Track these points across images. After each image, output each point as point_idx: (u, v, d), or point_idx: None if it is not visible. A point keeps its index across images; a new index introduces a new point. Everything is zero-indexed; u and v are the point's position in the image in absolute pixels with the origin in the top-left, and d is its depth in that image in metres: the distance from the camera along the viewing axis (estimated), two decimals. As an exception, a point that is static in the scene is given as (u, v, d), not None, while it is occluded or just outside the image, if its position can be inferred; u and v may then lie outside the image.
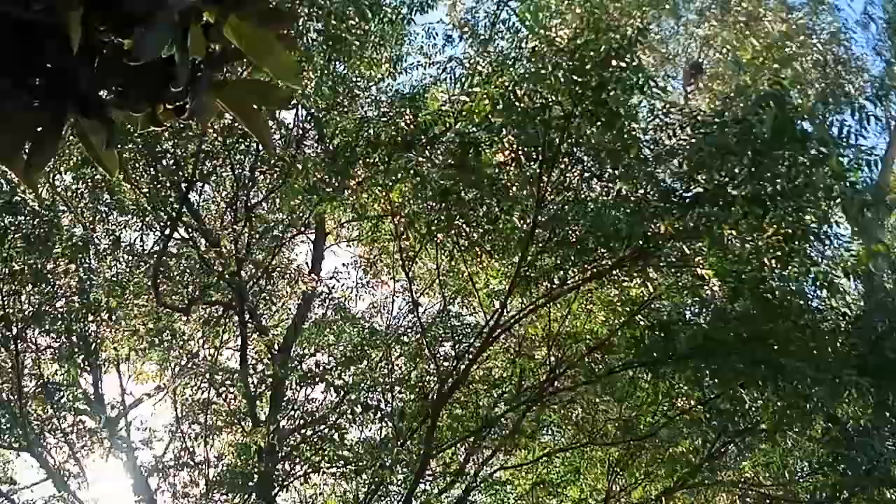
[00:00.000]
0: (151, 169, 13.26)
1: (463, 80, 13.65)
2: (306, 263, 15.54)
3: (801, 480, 15.28)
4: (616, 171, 13.33)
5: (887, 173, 20.75)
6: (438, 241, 13.57)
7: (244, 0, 2.67)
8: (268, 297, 15.39)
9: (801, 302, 13.71)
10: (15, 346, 13.58)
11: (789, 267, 13.27)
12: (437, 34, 15.19)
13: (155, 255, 13.94)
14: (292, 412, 14.80)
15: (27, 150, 2.67)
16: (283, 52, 2.75)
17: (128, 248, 14.41)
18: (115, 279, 13.89)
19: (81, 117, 2.66)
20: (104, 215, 14.04)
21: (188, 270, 14.35)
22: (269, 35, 2.71)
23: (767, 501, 16.48)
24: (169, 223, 13.87)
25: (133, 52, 2.54)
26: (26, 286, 13.48)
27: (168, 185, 13.52)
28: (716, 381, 13.41)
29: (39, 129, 2.64)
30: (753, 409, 13.94)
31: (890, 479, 14.36)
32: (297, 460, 14.41)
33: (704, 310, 13.83)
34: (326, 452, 14.45)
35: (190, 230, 14.35)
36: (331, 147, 13.60)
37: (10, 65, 2.57)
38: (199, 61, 2.63)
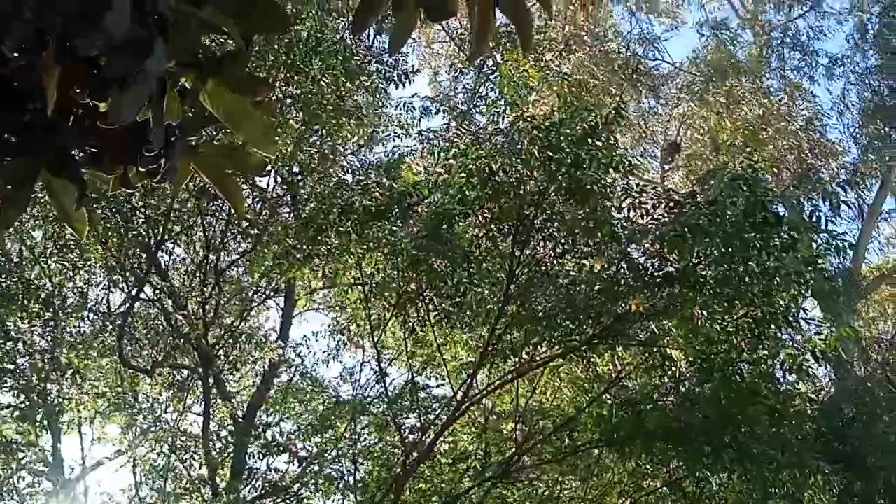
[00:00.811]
0: (121, 228, 13.24)
1: (439, 151, 13.75)
2: (274, 329, 15.49)
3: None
4: (588, 248, 13.41)
5: (859, 259, 20.95)
6: (408, 311, 13.57)
7: (222, 67, 2.70)
8: (234, 362, 15.30)
9: (770, 385, 13.76)
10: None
11: (759, 350, 13.35)
12: (414, 107, 15.29)
13: (121, 315, 13.87)
14: (254, 481, 14.66)
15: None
16: (259, 119, 2.77)
17: (95, 306, 14.33)
18: (80, 338, 13.81)
19: (54, 176, 2.67)
20: (72, 273, 13.98)
21: (154, 332, 14.29)
22: (245, 102, 2.73)
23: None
24: (136, 283, 13.83)
25: (108, 114, 2.56)
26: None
27: (137, 244, 13.49)
28: (682, 462, 13.39)
29: (9, 186, 2.64)
30: (720, 492, 13.90)
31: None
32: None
33: (673, 390, 13.83)
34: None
35: (157, 291, 14.31)
36: (304, 213, 13.63)
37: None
38: (174, 125, 2.64)
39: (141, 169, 2.68)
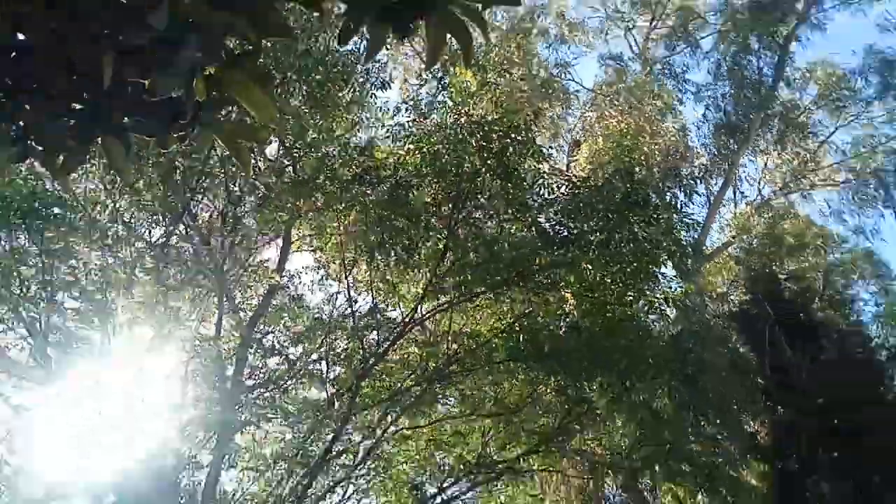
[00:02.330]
0: (162, 180, 13.09)
1: (403, 138, 13.74)
2: (273, 263, 15.39)
3: (623, 452, 15.44)
4: (508, 215, 13.51)
5: (705, 234, 21.22)
6: (373, 255, 13.58)
7: (239, 61, 2.67)
8: (242, 286, 15.21)
9: (635, 322, 13.96)
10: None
11: (627, 295, 13.54)
12: (388, 107, 15.21)
13: (160, 246, 13.74)
14: (253, 374, 14.67)
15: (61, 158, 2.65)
16: (265, 102, 2.74)
17: (140, 237, 14.15)
18: (128, 260, 13.65)
19: (107, 137, 2.64)
20: (124, 211, 13.79)
21: (184, 259, 14.16)
22: (256, 89, 2.71)
23: (598, 466, 16.63)
24: (172, 222, 13.69)
25: (151, 90, 2.53)
26: (61, 261, 13.25)
27: (174, 192, 13.34)
28: (567, 374, 13.54)
29: (73, 142, 2.61)
30: (593, 398, 14.11)
31: (684, 453, 14.59)
32: (254, 411, 14.27)
33: (563, 322, 13.98)
34: (277, 406, 14.34)
35: (188, 229, 14.16)
36: (300, 177, 13.55)
37: (58, 95, 2.55)
38: (200, 102, 2.62)
39: (172, 134, 2.65)
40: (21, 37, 2.46)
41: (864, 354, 15.85)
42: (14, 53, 2.46)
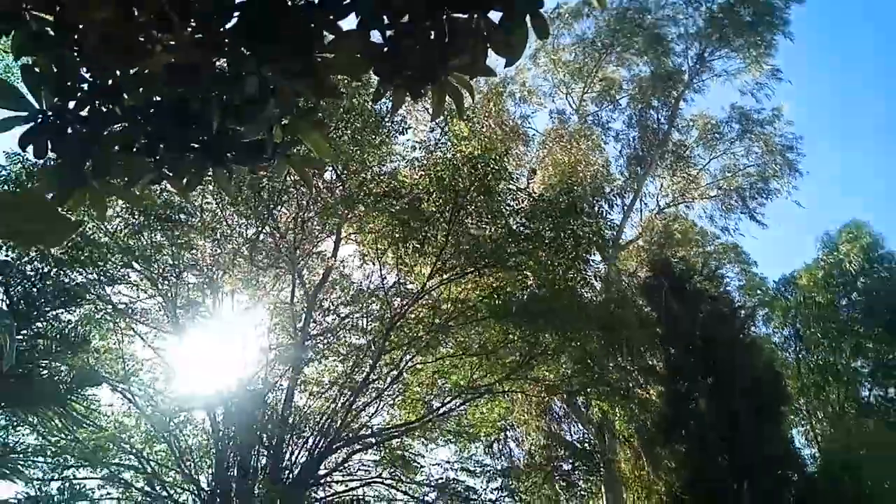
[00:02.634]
0: (253, 196, 13.03)
1: (418, 168, 13.71)
2: (330, 251, 15.33)
3: (567, 380, 15.44)
4: (487, 219, 13.47)
5: (620, 232, 21.15)
6: (398, 246, 13.54)
7: (305, 115, 2.65)
8: (308, 268, 15.15)
9: (574, 292, 13.95)
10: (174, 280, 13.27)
11: (569, 273, 13.51)
12: (407, 146, 15.11)
13: (251, 240, 13.70)
14: (315, 326, 14.65)
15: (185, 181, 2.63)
16: (321, 143, 2.73)
17: (239, 234, 14.07)
18: (231, 251, 13.60)
19: (216, 167, 2.62)
20: (226, 218, 13.73)
21: (267, 250, 14.12)
22: (315, 133, 2.69)
23: (549, 389, 16.61)
24: (260, 223, 13.66)
25: (245, 134, 2.51)
26: (185, 250, 13.24)
27: (261, 204, 13.29)
28: (528, 328, 13.55)
29: (192, 171, 2.59)
30: (546, 343, 14.09)
31: (606, 380, 14.57)
32: (317, 351, 14.28)
33: (525, 292, 13.97)
34: (334, 346, 14.37)
35: (272, 229, 14.11)
36: (346, 193, 13.49)
37: (181, 139, 2.54)
38: (278, 143, 2.60)
39: (259, 164, 2.64)
40: (157, 98, 2.45)
41: (729, 312, 15.83)
42: (152, 110, 2.45)
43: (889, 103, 38.28)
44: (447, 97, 2.60)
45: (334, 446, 13.30)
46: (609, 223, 16.94)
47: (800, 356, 21.67)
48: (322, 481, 13.74)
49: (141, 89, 2.37)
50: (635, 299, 17.42)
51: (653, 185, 23.18)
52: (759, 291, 23.06)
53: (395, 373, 14.17)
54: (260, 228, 13.72)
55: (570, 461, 17.64)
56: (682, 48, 22.80)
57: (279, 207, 14.01)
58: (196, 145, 2.57)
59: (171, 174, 2.59)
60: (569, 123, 22.99)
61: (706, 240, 22.83)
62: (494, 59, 2.54)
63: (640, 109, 22.94)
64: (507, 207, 13.87)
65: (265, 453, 12.86)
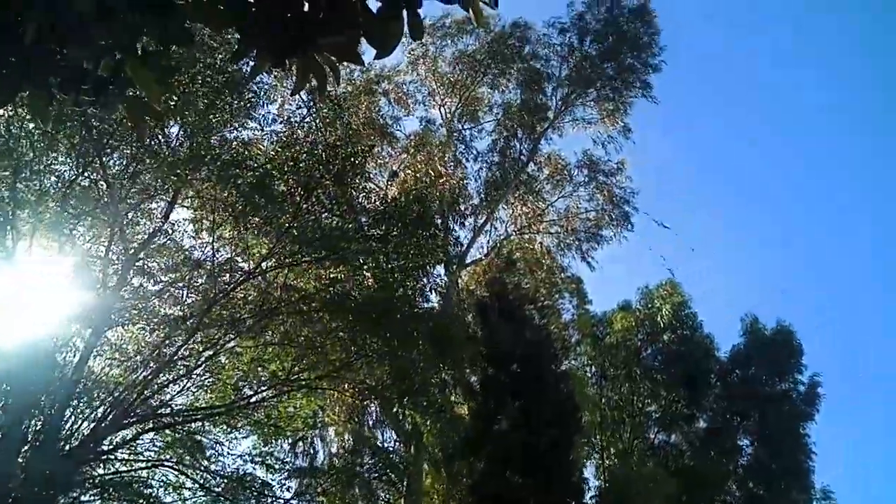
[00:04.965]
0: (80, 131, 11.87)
1: (274, 142, 13.21)
2: (161, 211, 14.22)
3: (390, 386, 15.46)
4: (338, 210, 13.36)
5: (467, 251, 21.70)
6: (237, 220, 12.96)
7: (147, 57, 2.51)
8: (132, 224, 13.96)
9: (408, 300, 14.16)
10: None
11: (407, 281, 13.71)
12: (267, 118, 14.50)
13: (69, 181, 12.45)
14: (128, 289, 13.56)
15: None
16: (156, 87, 2.59)
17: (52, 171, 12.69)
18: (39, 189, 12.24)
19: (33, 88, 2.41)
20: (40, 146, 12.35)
21: (89, 196, 12.91)
22: (151, 78, 2.55)
23: (367, 393, 16.57)
24: (82, 165, 12.45)
25: (67, 56, 2.33)
26: None
27: (88, 143, 12.13)
28: (357, 327, 13.51)
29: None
30: (372, 344, 14.07)
31: (424, 392, 14.90)
32: (124, 316, 13.24)
33: (362, 292, 13.97)
34: (145, 314, 13.38)
35: (98, 175, 12.87)
36: (193, 154, 12.67)
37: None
38: (107, 78, 2.44)
39: (83, 97, 2.48)
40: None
41: (549, 341, 16.99)
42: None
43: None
44: (311, 76, 2.58)
45: (125, 421, 12.38)
46: (456, 239, 17.46)
47: (602, 392, 23.63)
48: (104, 458, 12.72)
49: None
50: (468, 317, 18.06)
51: (504, 211, 24.16)
52: (587, 327, 24.76)
53: (209, 352, 13.51)
54: (80, 171, 12.51)
55: (377, 468, 17.80)
56: (552, 88, 24.14)
57: (111, 153, 12.89)
58: (13, 59, 2.34)
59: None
60: (436, 134, 23.41)
61: (552, 271, 24.07)
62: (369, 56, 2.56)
63: (506, 137, 23.92)
64: (359, 204, 13.85)
65: (41, 418, 11.67)
